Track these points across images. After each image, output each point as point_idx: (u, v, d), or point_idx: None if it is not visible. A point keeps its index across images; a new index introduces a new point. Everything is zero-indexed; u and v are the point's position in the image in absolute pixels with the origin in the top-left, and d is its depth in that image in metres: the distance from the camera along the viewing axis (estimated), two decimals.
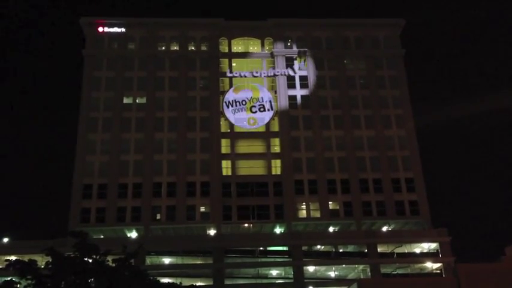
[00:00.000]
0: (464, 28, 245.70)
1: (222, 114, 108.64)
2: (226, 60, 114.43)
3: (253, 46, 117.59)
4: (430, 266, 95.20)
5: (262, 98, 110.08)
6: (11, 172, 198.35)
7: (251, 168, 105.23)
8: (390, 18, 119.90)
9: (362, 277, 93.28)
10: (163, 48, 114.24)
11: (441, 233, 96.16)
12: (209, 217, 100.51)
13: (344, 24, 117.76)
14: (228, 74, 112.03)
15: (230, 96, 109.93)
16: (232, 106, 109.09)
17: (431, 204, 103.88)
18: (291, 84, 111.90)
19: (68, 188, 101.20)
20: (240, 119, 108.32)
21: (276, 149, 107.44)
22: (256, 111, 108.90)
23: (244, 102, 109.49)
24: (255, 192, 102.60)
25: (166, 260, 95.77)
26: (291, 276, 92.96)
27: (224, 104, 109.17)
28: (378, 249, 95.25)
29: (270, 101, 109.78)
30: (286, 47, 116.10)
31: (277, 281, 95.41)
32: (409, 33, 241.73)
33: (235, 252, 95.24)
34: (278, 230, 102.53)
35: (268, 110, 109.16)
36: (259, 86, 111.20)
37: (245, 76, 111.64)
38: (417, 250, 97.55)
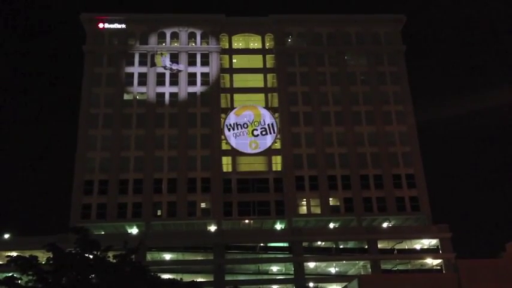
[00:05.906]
0: (465, 24, 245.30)
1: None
2: (227, 57, 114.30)
3: (254, 42, 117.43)
4: (431, 262, 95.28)
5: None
6: (12, 168, 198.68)
7: (252, 165, 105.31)
8: (391, 14, 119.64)
9: (362, 273, 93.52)
10: (164, 44, 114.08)
11: (442, 229, 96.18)
12: (210, 213, 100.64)
13: (345, 20, 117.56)
14: (230, 71, 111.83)
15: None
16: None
17: (432, 200, 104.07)
18: (292, 81, 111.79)
19: (69, 184, 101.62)
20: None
21: (277, 145, 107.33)
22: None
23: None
24: (255, 188, 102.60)
25: (167, 256, 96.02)
26: (292, 272, 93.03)
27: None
28: (379, 245, 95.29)
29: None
30: (287, 43, 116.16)
31: (277, 277, 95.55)
32: (410, 29, 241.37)
33: (236, 248, 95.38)
34: (279, 226, 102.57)
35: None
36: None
37: (246, 72, 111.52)
38: (418, 246, 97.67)
